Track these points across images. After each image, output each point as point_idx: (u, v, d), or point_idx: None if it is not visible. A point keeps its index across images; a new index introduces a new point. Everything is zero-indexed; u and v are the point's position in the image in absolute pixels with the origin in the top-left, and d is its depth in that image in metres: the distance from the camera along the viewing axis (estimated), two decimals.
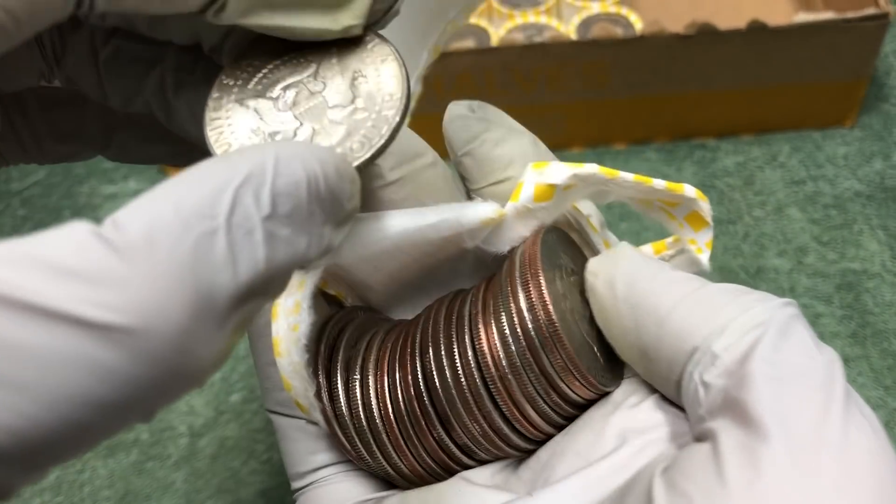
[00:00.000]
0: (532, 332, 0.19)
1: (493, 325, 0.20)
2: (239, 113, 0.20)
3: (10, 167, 0.51)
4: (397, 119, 0.20)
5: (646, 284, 0.20)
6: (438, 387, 0.20)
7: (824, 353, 0.18)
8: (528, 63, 0.44)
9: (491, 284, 0.21)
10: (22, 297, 0.13)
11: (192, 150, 0.21)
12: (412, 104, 0.27)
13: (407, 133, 0.24)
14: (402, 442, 0.21)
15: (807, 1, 0.49)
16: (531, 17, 0.46)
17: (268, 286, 0.16)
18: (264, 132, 0.20)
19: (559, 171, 0.21)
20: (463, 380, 0.20)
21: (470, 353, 0.20)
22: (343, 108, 0.20)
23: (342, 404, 0.21)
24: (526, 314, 0.19)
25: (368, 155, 0.19)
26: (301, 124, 0.20)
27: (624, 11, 0.46)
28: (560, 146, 0.49)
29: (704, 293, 0.19)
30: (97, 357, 0.13)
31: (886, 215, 0.45)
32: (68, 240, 0.14)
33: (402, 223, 0.20)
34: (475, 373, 0.20)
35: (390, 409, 0.21)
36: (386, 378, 0.21)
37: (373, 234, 0.20)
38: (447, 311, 0.21)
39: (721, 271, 0.43)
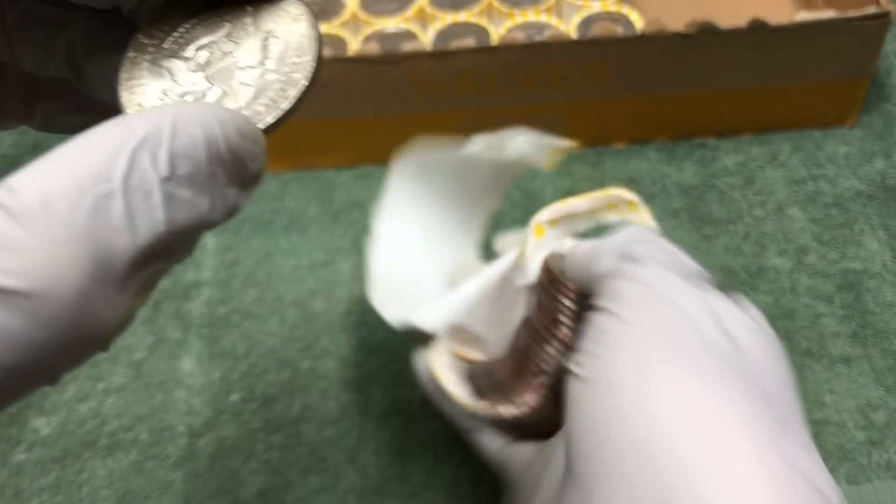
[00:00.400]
0: (576, 313, 0.29)
1: (555, 321, 0.30)
2: (152, 73, 0.20)
3: (8, 168, 0.51)
4: (305, 84, 0.20)
5: (569, 259, 0.29)
6: (548, 369, 0.29)
7: (659, 242, 0.27)
8: (528, 62, 0.43)
9: (538, 302, 0.31)
10: None
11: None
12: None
13: None
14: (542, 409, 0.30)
15: (808, 0, 0.49)
16: (531, 16, 0.46)
17: (171, 248, 0.16)
18: (174, 93, 0.20)
19: (542, 214, 0.34)
20: (557, 355, 0.30)
21: (554, 340, 0.30)
22: (253, 70, 0.20)
23: (496, 417, 0.30)
24: (565, 307, 0.30)
25: (275, 118, 0.19)
26: (211, 86, 0.20)
27: (624, 10, 0.46)
28: None
29: (588, 245, 0.28)
30: None
31: (887, 215, 0.45)
32: None
33: (478, 281, 0.33)
34: (563, 350, 0.30)
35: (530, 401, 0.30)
36: (517, 390, 0.30)
37: (469, 293, 0.33)
38: (527, 331, 0.31)
39: (722, 271, 0.43)
